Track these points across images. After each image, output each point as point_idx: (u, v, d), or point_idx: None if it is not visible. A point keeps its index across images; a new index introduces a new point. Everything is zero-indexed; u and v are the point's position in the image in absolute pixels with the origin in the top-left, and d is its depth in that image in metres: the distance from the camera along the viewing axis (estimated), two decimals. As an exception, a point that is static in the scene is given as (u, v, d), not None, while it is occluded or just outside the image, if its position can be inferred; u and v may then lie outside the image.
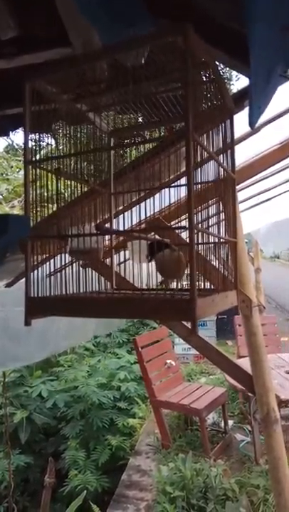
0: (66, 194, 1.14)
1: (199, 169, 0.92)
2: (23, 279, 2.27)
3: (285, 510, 1.69)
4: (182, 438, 4.26)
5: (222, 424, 4.36)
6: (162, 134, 1.34)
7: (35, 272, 0.98)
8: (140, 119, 1.32)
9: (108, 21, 0.99)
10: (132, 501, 3.47)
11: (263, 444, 3.44)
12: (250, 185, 2.75)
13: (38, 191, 1.03)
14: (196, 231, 0.83)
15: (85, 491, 3.95)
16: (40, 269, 1.00)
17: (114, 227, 1.27)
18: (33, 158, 1.04)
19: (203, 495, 2.99)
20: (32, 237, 0.99)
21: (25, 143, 1.02)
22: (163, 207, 1.10)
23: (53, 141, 1.33)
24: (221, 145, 1.06)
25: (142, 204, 1.11)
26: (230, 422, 4.48)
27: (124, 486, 3.71)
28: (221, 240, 1.04)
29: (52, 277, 1.00)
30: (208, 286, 1.00)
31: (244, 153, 1.87)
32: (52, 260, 1.04)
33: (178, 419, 4.60)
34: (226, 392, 4.35)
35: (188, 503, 2.95)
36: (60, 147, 1.27)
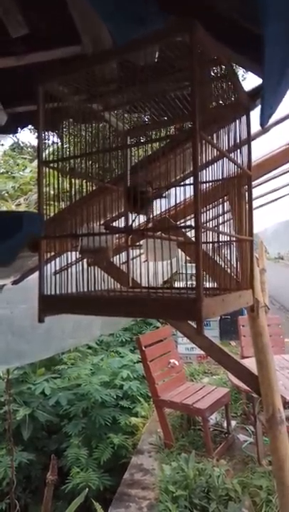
0: (72, 192, 1.14)
1: (211, 167, 0.92)
2: (30, 277, 2.28)
3: (290, 512, 1.69)
4: (185, 438, 4.26)
5: (225, 425, 4.36)
6: (171, 132, 1.34)
7: (47, 269, 0.99)
8: (148, 118, 1.32)
9: (120, 19, 0.99)
10: (134, 500, 3.47)
11: (266, 444, 3.44)
12: (258, 185, 2.74)
13: (46, 190, 1.04)
14: (203, 230, 0.83)
15: (87, 489, 3.97)
16: (52, 267, 1.01)
17: (123, 226, 1.27)
18: (48, 158, 1.04)
19: (206, 495, 3.00)
20: (46, 236, 0.99)
21: (39, 143, 1.02)
22: (173, 205, 1.09)
23: (62, 140, 1.33)
24: (236, 141, 1.06)
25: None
26: (233, 423, 4.47)
27: (127, 485, 3.71)
28: (234, 238, 1.04)
29: (63, 275, 1.01)
30: (220, 285, 1.00)
31: (253, 153, 1.86)
32: (63, 258, 1.04)
33: (181, 418, 4.61)
34: (228, 392, 4.34)
35: (190, 502, 2.96)
36: (66, 146, 1.27)
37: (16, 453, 4.36)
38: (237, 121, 1.08)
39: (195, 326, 2.05)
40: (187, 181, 1.05)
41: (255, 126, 1.24)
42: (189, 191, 0.97)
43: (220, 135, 0.99)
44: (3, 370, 4.30)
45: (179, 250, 1.17)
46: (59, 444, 5.01)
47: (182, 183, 1.09)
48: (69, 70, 1.02)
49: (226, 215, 0.98)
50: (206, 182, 0.90)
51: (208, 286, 0.99)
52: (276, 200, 3.76)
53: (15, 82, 1.51)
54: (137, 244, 1.25)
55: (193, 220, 0.79)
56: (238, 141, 1.07)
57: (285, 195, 3.58)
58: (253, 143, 1.77)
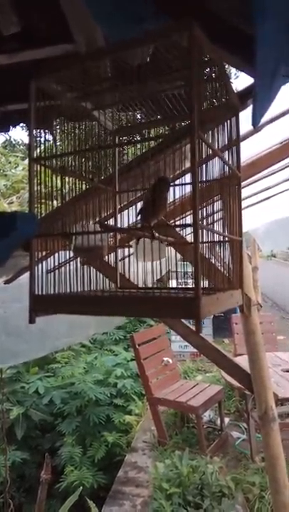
0: (64, 191, 1.13)
1: (203, 167, 0.92)
2: (23, 276, 2.27)
3: (282, 509, 1.70)
4: (178, 435, 4.28)
5: (218, 422, 4.38)
6: (166, 131, 1.34)
7: (39, 269, 0.98)
8: (140, 116, 1.32)
9: (120, 19, 0.99)
10: (128, 497, 3.49)
11: (259, 441, 3.46)
12: (250, 184, 2.75)
13: (37, 188, 1.03)
14: (200, 229, 0.83)
15: (81, 487, 3.97)
16: (43, 266, 1.00)
17: (117, 224, 1.27)
18: (38, 155, 1.04)
19: (200, 492, 3.01)
20: (37, 235, 0.99)
21: (30, 140, 1.01)
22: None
23: (54, 138, 1.33)
24: (225, 142, 1.06)
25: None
26: (227, 420, 4.50)
27: (121, 483, 3.72)
28: (226, 239, 1.05)
29: (55, 275, 1.00)
30: (213, 285, 1.00)
31: (245, 152, 1.87)
32: (55, 257, 1.03)
33: (174, 416, 4.62)
34: (222, 389, 4.37)
35: (184, 499, 2.97)
36: (59, 144, 1.26)
37: (9, 452, 4.35)
38: (227, 122, 1.08)
39: (189, 325, 2.05)
40: (178, 182, 1.06)
41: (247, 126, 1.24)
42: (180, 191, 0.97)
43: (211, 136, 1.00)
44: (-4, 369, 4.28)
45: (168, 249, 1.17)
46: (53, 443, 5.01)
47: (174, 183, 1.09)
48: (62, 66, 1.02)
49: (215, 215, 0.98)
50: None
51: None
52: (269, 198, 3.78)
53: (6, 81, 1.50)
54: (127, 244, 1.25)
55: (185, 219, 0.79)
56: (228, 142, 1.08)
57: (278, 193, 3.61)
58: (245, 142, 1.78)
